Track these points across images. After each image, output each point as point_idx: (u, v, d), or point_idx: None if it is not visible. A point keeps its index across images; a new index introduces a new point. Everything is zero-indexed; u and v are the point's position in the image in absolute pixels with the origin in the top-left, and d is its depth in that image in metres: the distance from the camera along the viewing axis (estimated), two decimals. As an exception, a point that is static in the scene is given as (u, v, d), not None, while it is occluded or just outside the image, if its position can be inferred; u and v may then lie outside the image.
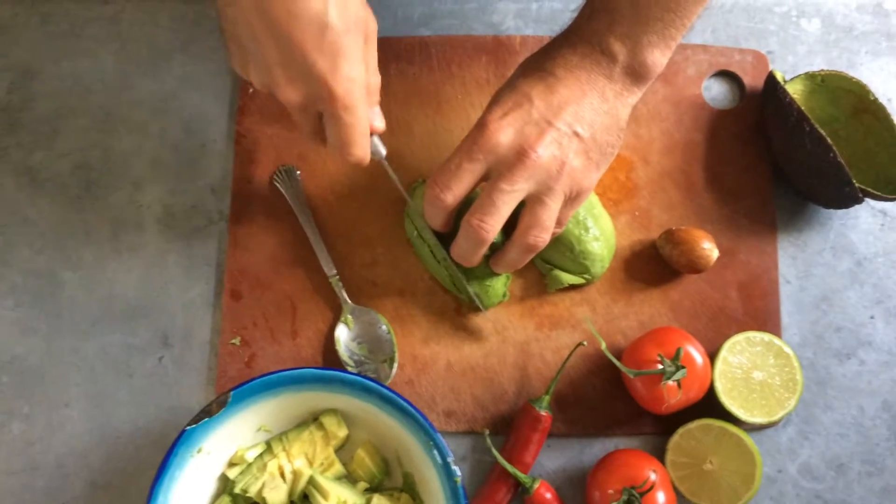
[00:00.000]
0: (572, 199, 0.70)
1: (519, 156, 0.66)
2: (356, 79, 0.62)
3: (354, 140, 0.65)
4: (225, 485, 0.75)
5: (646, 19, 0.66)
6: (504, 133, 0.66)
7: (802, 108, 0.77)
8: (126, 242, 0.82)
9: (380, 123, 0.70)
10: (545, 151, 0.66)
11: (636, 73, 0.68)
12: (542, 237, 0.69)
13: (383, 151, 0.72)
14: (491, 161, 0.67)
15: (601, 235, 0.77)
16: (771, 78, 0.80)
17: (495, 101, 0.69)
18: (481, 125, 0.67)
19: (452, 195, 0.68)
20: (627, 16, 0.66)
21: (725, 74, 0.85)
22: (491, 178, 0.67)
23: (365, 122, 0.65)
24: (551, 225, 0.69)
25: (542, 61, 0.69)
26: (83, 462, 0.79)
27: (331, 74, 0.61)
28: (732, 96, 0.85)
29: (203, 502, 0.75)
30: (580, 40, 0.68)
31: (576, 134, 0.67)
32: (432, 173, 0.69)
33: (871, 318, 0.81)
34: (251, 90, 0.84)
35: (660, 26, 0.66)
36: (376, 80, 0.67)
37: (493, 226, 0.68)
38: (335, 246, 0.81)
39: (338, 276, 0.80)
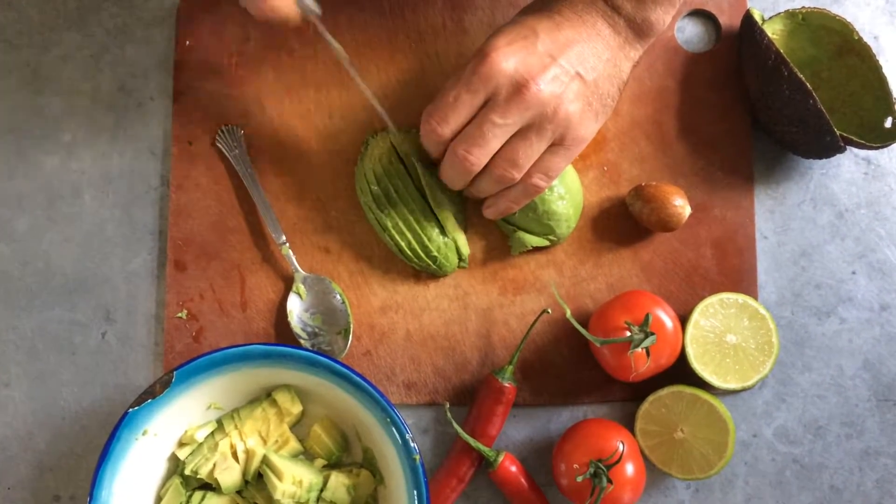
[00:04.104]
0: (564, 145, 0.67)
1: (518, 87, 0.63)
2: None
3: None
4: (175, 466, 0.72)
5: None
6: (506, 61, 0.63)
7: (781, 50, 0.72)
8: (62, 211, 0.77)
9: None
10: (546, 86, 0.63)
11: (639, 28, 0.67)
12: (511, 172, 0.67)
13: (317, 10, 0.65)
14: (490, 90, 0.64)
15: (566, 194, 0.73)
16: (748, 17, 0.74)
17: (498, 31, 0.66)
18: (482, 53, 0.64)
19: (449, 128, 0.66)
20: None
21: (700, 14, 0.79)
22: (484, 108, 0.65)
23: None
24: (526, 163, 0.66)
25: (549, 2, 0.67)
26: (27, 444, 0.75)
27: None
28: (708, 38, 0.79)
29: (152, 485, 0.72)
30: None
31: (578, 75, 0.65)
32: (425, 110, 0.67)
33: (853, 273, 0.77)
34: (188, 42, 0.78)
35: None
36: None
37: (479, 157, 0.66)
38: (284, 211, 0.76)
39: (287, 244, 0.75)
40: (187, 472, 0.70)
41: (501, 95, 0.63)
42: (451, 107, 0.65)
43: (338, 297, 0.75)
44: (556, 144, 0.66)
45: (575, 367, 0.75)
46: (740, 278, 0.75)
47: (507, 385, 0.72)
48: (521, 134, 0.65)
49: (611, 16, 0.66)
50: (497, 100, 0.63)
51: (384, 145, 0.73)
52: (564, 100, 0.64)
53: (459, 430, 0.71)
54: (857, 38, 0.74)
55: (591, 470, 0.68)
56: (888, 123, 0.74)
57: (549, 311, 0.73)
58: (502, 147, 0.66)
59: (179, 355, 0.75)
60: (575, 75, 0.64)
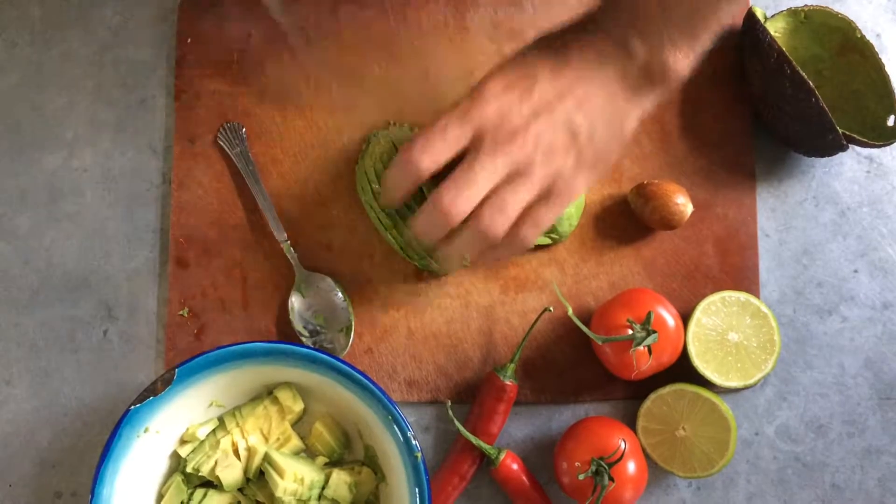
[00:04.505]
0: (553, 197, 0.62)
1: (509, 134, 0.60)
2: None
3: None
4: (177, 463, 0.72)
5: (670, 16, 0.59)
6: (500, 104, 0.60)
7: (784, 48, 0.72)
8: (63, 209, 0.77)
9: None
10: (536, 137, 0.60)
11: (654, 75, 0.61)
12: (499, 222, 0.60)
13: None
14: (479, 130, 0.60)
15: (568, 192, 0.72)
16: (750, 15, 0.74)
17: (499, 68, 0.62)
18: (478, 91, 0.61)
19: (432, 160, 0.60)
20: (652, 10, 0.59)
21: (702, 12, 0.79)
22: (471, 151, 0.60)
23: None
24: (514, 212, 0.61)
25: (557, 43, 0.63)
26: (29, 441, 0.75)
27: None
28: (710, 36, 0.79)
29: (154, 482, 0.72)
30: (599, 30, 0.62)
31: (572, 127, 0.61)
32: (409, 140, 0.62)
33: (855, 271, 0.77)
34: (190, 39, 0.78)
35: (686, 25, 0.60)
36: None
37: (465, 203, 0.60)
38: (286, 208, 0.76)
39: (289, 241, 0.75)
40: (189, 469, 0.70)
41: (490, 138, 0.60)
42: (440, 137, 0.60)
43: (339, 294, 0.75)
44: (545, 196, 0.62)
45: (576, 365, 0.75)
46: (742, 276, 0.75)
47: (508, 383, 0.72)
48: (509, 180, 0.60)
49: (623, 62, 0.61)
50: (485, 141, 0.60)
51: (385, 144, 0.73)
52: (555, 151, 0.60)
53: (461, 427, 0.71)
54: (859, 35, 0.74)
55: (593, 468, 0.68)
56: (891, 122, 0.73)
57: (551, 309, 0.73)
58: (486, 196, 0.60)
59: (181, 353, 0.75)
60: (568, 127, 0.61)
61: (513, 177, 0.60)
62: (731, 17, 0.59)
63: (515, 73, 0.61)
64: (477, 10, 0.78)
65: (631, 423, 0.73)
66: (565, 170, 0.61)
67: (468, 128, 0.60)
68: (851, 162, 0.78)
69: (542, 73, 0.61)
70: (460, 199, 0.60)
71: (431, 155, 0.60)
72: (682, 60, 0.61)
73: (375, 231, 0.76)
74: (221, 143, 0.76)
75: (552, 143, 0.60)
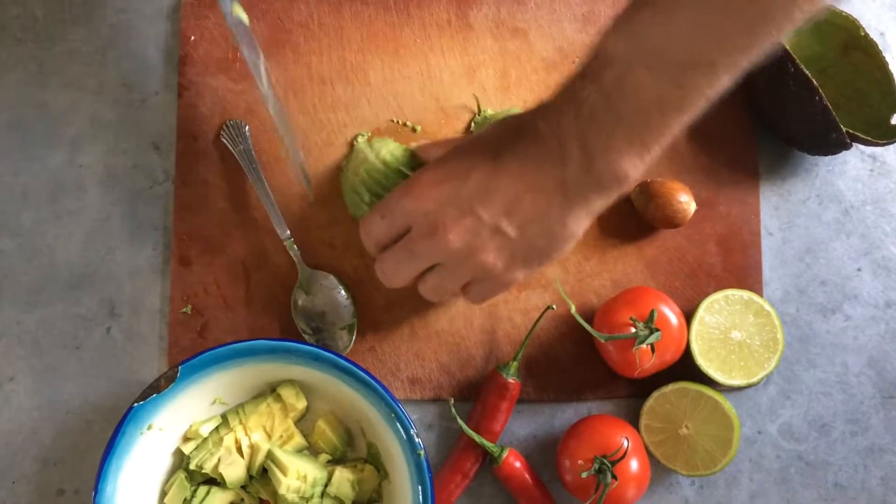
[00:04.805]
0: (488, 286, 0.64)
1: (431, 230, 0.61)
2: None
3: None
4: (180, 460, 0.72)
5: (617, 118, 0.55)
6: (426, 202, 0.61)
7: (787, 46, 0.72)
8: (66, 206, 0.77)
9: None
10: (457, 237, 0.61)
11: (598, 182, 0.57)
12: (433, 295, 0.66)
13: (244, 17, 0.65)
14: (408, 222, 0.63)
15: (571, 190, 0.72)
16: (754, 14, 0.74)
17: (438, 162, 0.63)
18: (411, 184, 0.63)
19: (372, 244, 0.66)
20: (599, 115, 0.56)
21: (706, 10, 0.79)
22: (406, 235, 0.64)
23: None
24: (443, 294, 0.66)
25: (505, 136, 0.61)
26: (32, 439, 0.75)
27: None
28: (713, 34, 0.79)
29: (157, 480, 0.71)
30: (544, 127, 0.59)
31: (498, 229, 0.60)
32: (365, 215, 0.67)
33: (858, 270, 0.76)
34: (193, 37, 0.78)
35: (636, 134, 0.56)
36: None
37: (394, 278, 0.66)
38: (289, 206, 0.76)
39: (292, 239, 0.75)
40: (192, 466, 0.70)
41: (416, 230, 0.62)
42: (376, 226, 0.65)
43: (342, 292, 0.75)
44: (480, 280, 0.64)
45: (579, 364, 0.75)
46: (745, 275, 0.75)
47: (511, 381, 0.72)
48: (437, 270, 0.64)
49: (563, 164, 0.57)
50: (413, 234, 0.63)
51: (363, 160, 0.71)
52: (479, 250, 0.61)
53: (464, 425, 0.71)
54: (863, 34, 0.74)
55: (596, 466, 0.68)
56: (894, 120, 0.73)
57: (554, 307, 0.73)
58: (424, 272, 0.65)
59: (184, 350, 0.75)
60: (495, 229, 0.60)
61: (440, 267, 0.64)
62: (683, 129, 0.55)
63: (451, 168, 0.62)
64: (480, 7, 0.78)
65: (634, 421, 0.73)
66: (495, 268, 0.62)
67: (399, 218, 0.63)
68: (855, 160, 0.78)
69: (476, 172, 0.60)
70: (395, 275, 0.65)
71: (375, 238, 0.66)
72: (631, 168, 0.57)
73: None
74: (224, 141, 0.76)
75: (475, 243, 0.61)
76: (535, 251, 0.61)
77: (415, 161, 0.70)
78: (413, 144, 0.70)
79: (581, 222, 0.60)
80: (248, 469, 0.71)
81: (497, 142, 0.61)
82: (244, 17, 0.67)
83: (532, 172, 0.59)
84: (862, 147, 0.78)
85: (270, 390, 0.73)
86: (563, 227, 0.60)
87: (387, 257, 0.65)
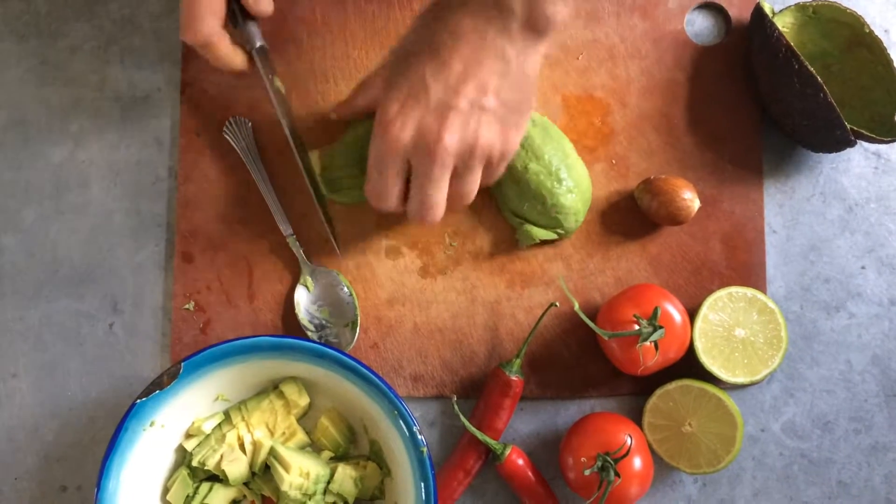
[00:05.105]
0: (497, 161, 0.65)
1: (428, 150, 0.61)
2: None
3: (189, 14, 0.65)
4: (183, 457, 0.72)
5: None
6: (405, 130, 0.62)
7: (792, 43, 0.72)
8: (69, 202, 0.77)
9: (266, 7, 0.67)
10: (452, 138, 0.61)
11: (537, 27, 0.61)
12: (467, 201, 0.66)
13: (258, 42, 0.68)
14: (404, 157, 0.63)
15: (575, 187, 0.72)
16: (758, 10, 0.74)
17: (389, 87, 0.63)
18: (381, 126, 0.62)
19: (392, 201, 0.66)
20: None
21: (710, 7, 0.79)
22: (413, 170, 0.64)
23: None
24: (473, 189, 0.66)
25: (434, 27, 0.63)
26: (35, 435, 0.75)
27: None
28: (717, 31, 0.79)
29: (160, 476, 0.72)
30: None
31: (481, 108, 0.62)
32: (366, 185, 0.66)
33: (862, 268, 0.76)
34: (196, 34, 0.77)
35: None
36: None
37: (435, 212, 0.65)
38: (292, 202, 0.76)
39: (295, 235, 0.75)
40: (194, 463, 0.70)
41: (416, 160, 0.62)
42: (382, 184, 0.65)
43: (345, 289, 0.75)
44: (489, 164, 0.65)
45: (582, 361, 0.75)
46: (749, 272, 0.75)
47: (514, 378, 0.72)
48: (457, 176, 0.64)
49: (501, 23, 0.60)
50: (416, 164, 0.63)
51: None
52: (479, 135, 0.62)
53: (467, 423, 0.71)
54: (867, 31, 0.74)
55: (599, 463, 0.68)
56: (899, 117, 0.73)
57: (557, 304, 0.73)
58: (449, 186, 0.65)
59: (187, 347, 0.75)
60: (478, 110, 0.62)
61: (456, 171, 0.64)
62: None
63: (405, 87, 0.62)
64: (484, 4, 0.78)
65: (637, 418, 0.73)
66: (494, 143, 0.63)
67: (398, 160, 0.63)
68: (859, 158, 0.78)
69: (428, 74, 0.61)
70: (430, 213, 0.65)
71: (389, 198, 0.65)
72: (563, 8, 0.61)
73: (381, 225, 0.75)
74: (227, 137, 0.76)
75: (471, 131, 0.62)
76: (516, 110, 0.64)
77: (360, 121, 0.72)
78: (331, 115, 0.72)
79: (536, 67, 0.64)
80: (251, 466, 0.71)
81: (429, 36, 0.63)
82: (282, 87, 0.73)
83: (478, 41, 0.61)
84: (866, 144, 0.77)
85: (273, 387, 0.73)
86: (525, 76, 0.63)
87: (415, 204, 0.65)
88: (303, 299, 0.75)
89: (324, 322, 0.74)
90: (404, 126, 0.61)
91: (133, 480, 0.68)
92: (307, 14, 0.78)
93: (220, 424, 0.72)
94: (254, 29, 0.69)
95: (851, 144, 0.72)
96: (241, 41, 0.71)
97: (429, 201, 0.64)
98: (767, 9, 0.74)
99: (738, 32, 0.78)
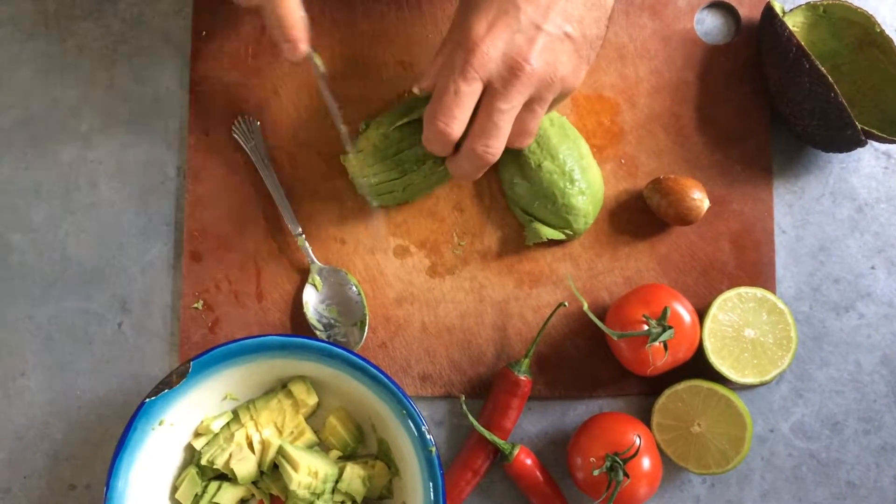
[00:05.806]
0: (559, 98, 0.66)
1: (513, 70, 0.61)
2: None
3: (281, 30, 0.64)
4: (192, 455, 0.72)
5: None
6: (494, 47, 0.61)
7: (802, 42, 0.71)
8: (78, 201, 0.77)
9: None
10: (538, 61, 0.61)
11: None
12: (524, 142, 0.66)
13: (320, 65, 0.69)
14: (485, 79, 0.62)
15: (588, 189, 0.72)
16: (768, 9, 0.74)
17: (475, 8, 0.62)
18: (468, 42, 0.61)
19: (459, 124, 0.63)
20: None
21: (720, 6, 0.78)
22: (486, 97, 0.62)
23: (290, 13, 0.63)
24: (536, 127, 0.66)
25: None
26: (44, 433, 0.75)
27: None
28: (727, 30, 0.78)
29: (168, 475, 0.72)
30: None
31: (567, 35, 0.62)
32: (429, 106, 0.64)
33: (872, 268, 0.76)
34: (204, 32, 0.78)
35: None
36: None
37: (498, 148, 0.64)
38: (300, 202, 0.76)
39: (303, 235, 0.75)
40: (203, 462, 0.70)
41: (499, 82, 0.61)
42: (455, 103, 0.62)
43: (353, 288, 0.75)
44: (545, 101, 0.65)
45: (591, 361, 0.74)
46: (758, 272, 0.75)
47: (522, 378, 0.72)
48: (527, 107, 0.64)
49: None
50: (496, 86, 0.62)
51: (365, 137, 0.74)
52: (559, 65, 0.62)
53: (475, 422, 0.71)
54: (878, 30, 0.74)
55: (608, 464, 0.68)
56: (910, 117, 0.73)
57: (566, 304, 0.73)
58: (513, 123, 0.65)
59: (195, 346, 0.75)
60: (563, 37, 0.62)
61: (529, 102, 0.63)
62: None
63: (493, 6, 0.62)
64: (492, 3, 0.78)
65: (645, 418, 0.73)
66: (568, 77, 0.64)
67: (476, 83, 0.62)
68: (869, 157, 0.77)
69: None
70: (492, 149, 0.64)
71: (455, 121, 0.63)
72: None
73: (389, 225, 0.76)
74: (236, 137, 0.76)
75: (554, 61, 0.62)
76: (594, 41, 0.64)
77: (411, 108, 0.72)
78: (414, 89, 0.68)
79: (612, 2, 0.65)
80: (259, 465, 0.71)
81: None
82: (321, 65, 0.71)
83: None
84: (876, 144, 0.77)
85: (281, 386, 0.73)
86: (605, 7, 0.64)
87: (481, 132, 0.63)
88: (311, 298, 0.75)
89: (332, 321, 0.74)
90: (493, 43, 0.61)
91: (142, 479, 0.68)
92: (315, 13, 0.77)
93: (228, 423, 0.72)
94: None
95: (862, 144, 0.72)
96: None
97: (495, 132, 0.63)
98: (778, 8, 0.73)
99: (747, 32, 0.77)
